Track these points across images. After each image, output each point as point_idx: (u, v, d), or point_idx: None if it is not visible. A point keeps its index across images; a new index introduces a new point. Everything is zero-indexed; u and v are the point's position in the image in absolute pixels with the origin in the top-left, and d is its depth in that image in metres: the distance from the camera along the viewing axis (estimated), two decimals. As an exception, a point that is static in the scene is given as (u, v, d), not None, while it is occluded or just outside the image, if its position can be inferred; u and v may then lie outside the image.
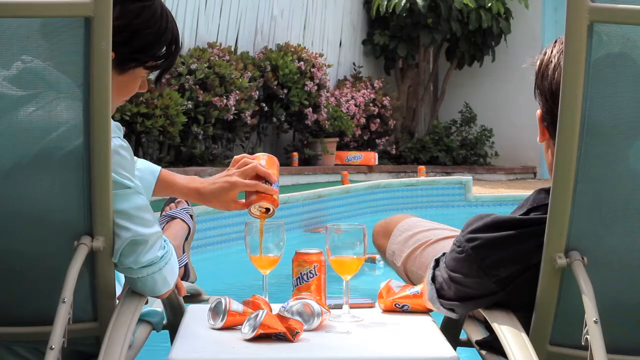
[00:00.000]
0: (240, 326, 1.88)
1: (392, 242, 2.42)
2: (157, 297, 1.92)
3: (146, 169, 2.21)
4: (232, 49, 9.30)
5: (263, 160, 2.17)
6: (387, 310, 2.13)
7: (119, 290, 1.96)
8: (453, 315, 1.98)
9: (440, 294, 1.94)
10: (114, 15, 1.83)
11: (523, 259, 1.81)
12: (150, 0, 1.94)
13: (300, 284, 2.09)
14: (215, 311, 1.94)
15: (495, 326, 1.79)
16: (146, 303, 2.03)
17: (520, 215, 1.84)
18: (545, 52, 1.87)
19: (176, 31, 2.00)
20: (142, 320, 2.05)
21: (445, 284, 1.92)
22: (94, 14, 1.66)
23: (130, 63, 1.94)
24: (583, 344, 1.63)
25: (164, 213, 2.49)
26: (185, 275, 2.40)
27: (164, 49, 1.98)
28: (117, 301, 1.85)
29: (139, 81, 2.00)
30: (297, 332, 1.84)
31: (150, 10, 1.93)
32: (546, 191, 1.81)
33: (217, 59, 8.57)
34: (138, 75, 1.98)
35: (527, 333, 1.76)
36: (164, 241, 1.89)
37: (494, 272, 1.83)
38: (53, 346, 1.61)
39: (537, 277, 1.76)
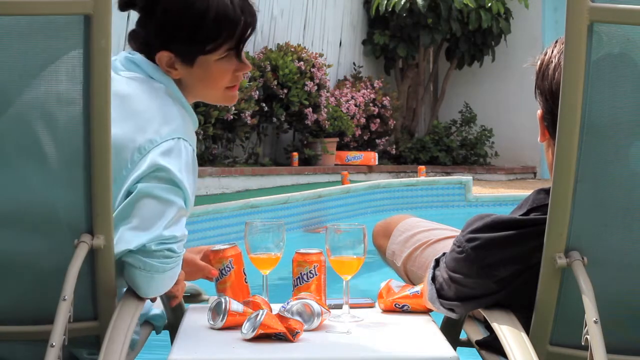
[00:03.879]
0: (240, 326, 1.88)
1: (392, 242, 2.42)
2: (146, 297, 1.89)
3: None
4: (232, 49, 9.29)
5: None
6: (387, 311, 2.13)
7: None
8: (453, 315, 1.98)
9: (440, 294, 1.94)
10: (157, 14, 1.92)
11: (523, 259, 1.81)
12: None
13: (300, 284, 2.10)
14: (215, 311, 1.94)
15: (495, 326, 1.79)
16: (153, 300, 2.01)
17: (520, 215, 1.84)
18: (546, 52, 1.87)
19: (221, 7, 1.95)
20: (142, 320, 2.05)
21: (445, 284, 1.92)
22: (93, 11, 1.67)
23: (188, 54, 1.96)
24: (583, 344, 1.63)
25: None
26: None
27: (214, 29, 1.96)
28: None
29: (221, 67, 1.99)
30: (297, 332, 1.84)
31: (179, 1, 1.94)
32: (546, 191, 1.81)
33: (217, 58, 8.56)
34: (211, 62, 1.98)
35: (527, 333, 1.76)
36: (182, 246, 1.88)
37: (494, 272, 1.83)
38: (54, 344, 1.61)
39: (537, 277, 1.76)
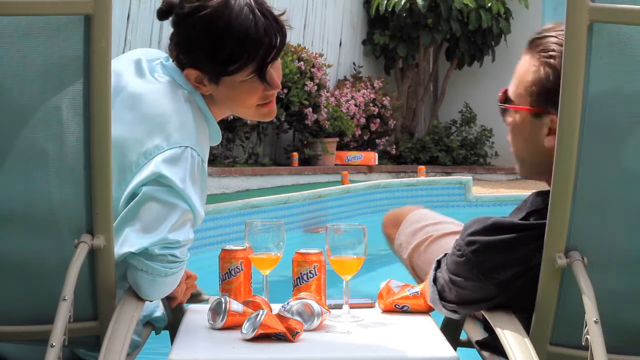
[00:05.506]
0: (240, 326, 1.88)
1: (400, 233, 2.40)
2: (147, 299, 1.89)
3: None
4: (232, 49, 9.28)
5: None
6: (387, 311, 2.13)
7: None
8: (455, 316, 1.98)
9: (442, 296, 1.94)
10: (184, 31, 1.92)
11: (523, 261, 1.81)
12: (202, 10, 1.91)
13: (300, 284, 2.10)
14: (215, 311, 1.94)
15: (496, 326, 1.79)
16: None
17: (519, 219, 1.84)
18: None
19: (243, 28, 1.91)
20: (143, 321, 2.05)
21: (446, 287, 1.92)
22: (93, 11, 1.67)
23: (213, 74, 1.94)
24: (583, 344, 1.63)
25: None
26: None
27: (235, 50, 1.92)
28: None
29: (248, 87, 1.96)
30: (297, 332, 1.84)
31: (202, 21, 1.91)
32: (544, 194, 1.81)
33: (217, 58, 8.55)
34: (236, 82, 1.95)
35: (528, 333, 1.76)
36: (186, 251, 1.88)
37: (494, 276, 1.83)
38: (54, 344, 1.61)
39: (537, 279, 1.76)
